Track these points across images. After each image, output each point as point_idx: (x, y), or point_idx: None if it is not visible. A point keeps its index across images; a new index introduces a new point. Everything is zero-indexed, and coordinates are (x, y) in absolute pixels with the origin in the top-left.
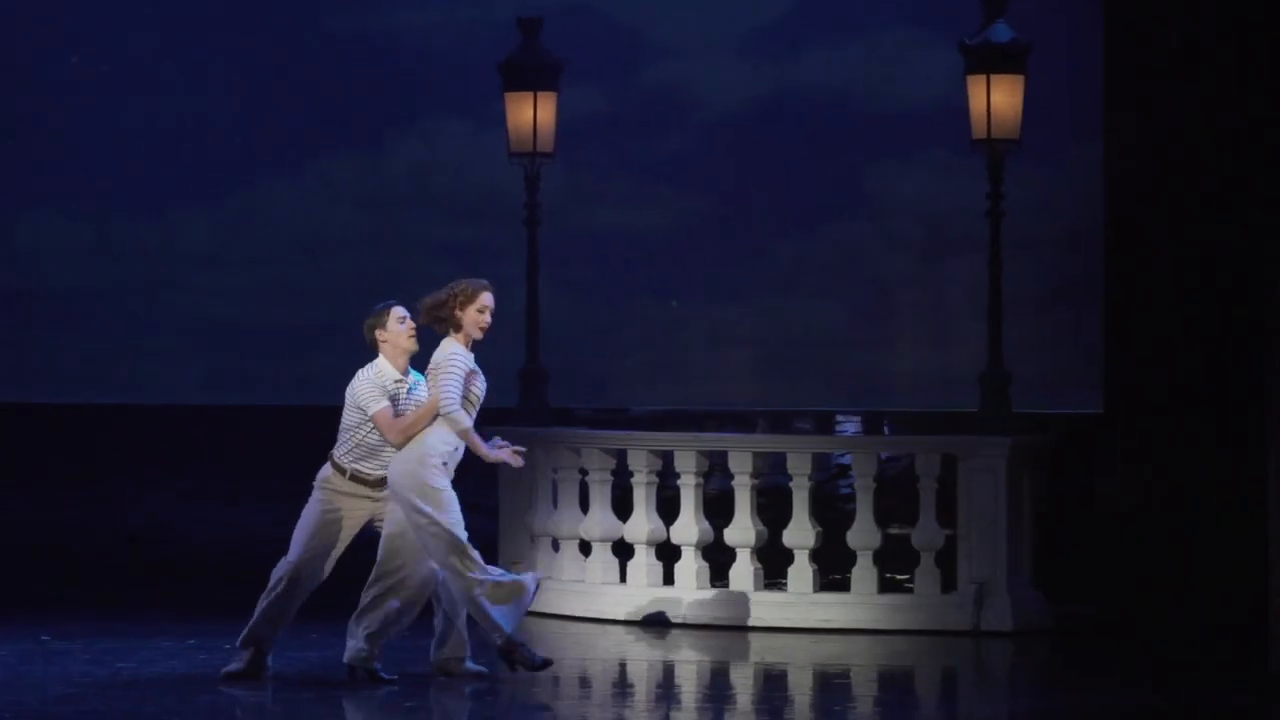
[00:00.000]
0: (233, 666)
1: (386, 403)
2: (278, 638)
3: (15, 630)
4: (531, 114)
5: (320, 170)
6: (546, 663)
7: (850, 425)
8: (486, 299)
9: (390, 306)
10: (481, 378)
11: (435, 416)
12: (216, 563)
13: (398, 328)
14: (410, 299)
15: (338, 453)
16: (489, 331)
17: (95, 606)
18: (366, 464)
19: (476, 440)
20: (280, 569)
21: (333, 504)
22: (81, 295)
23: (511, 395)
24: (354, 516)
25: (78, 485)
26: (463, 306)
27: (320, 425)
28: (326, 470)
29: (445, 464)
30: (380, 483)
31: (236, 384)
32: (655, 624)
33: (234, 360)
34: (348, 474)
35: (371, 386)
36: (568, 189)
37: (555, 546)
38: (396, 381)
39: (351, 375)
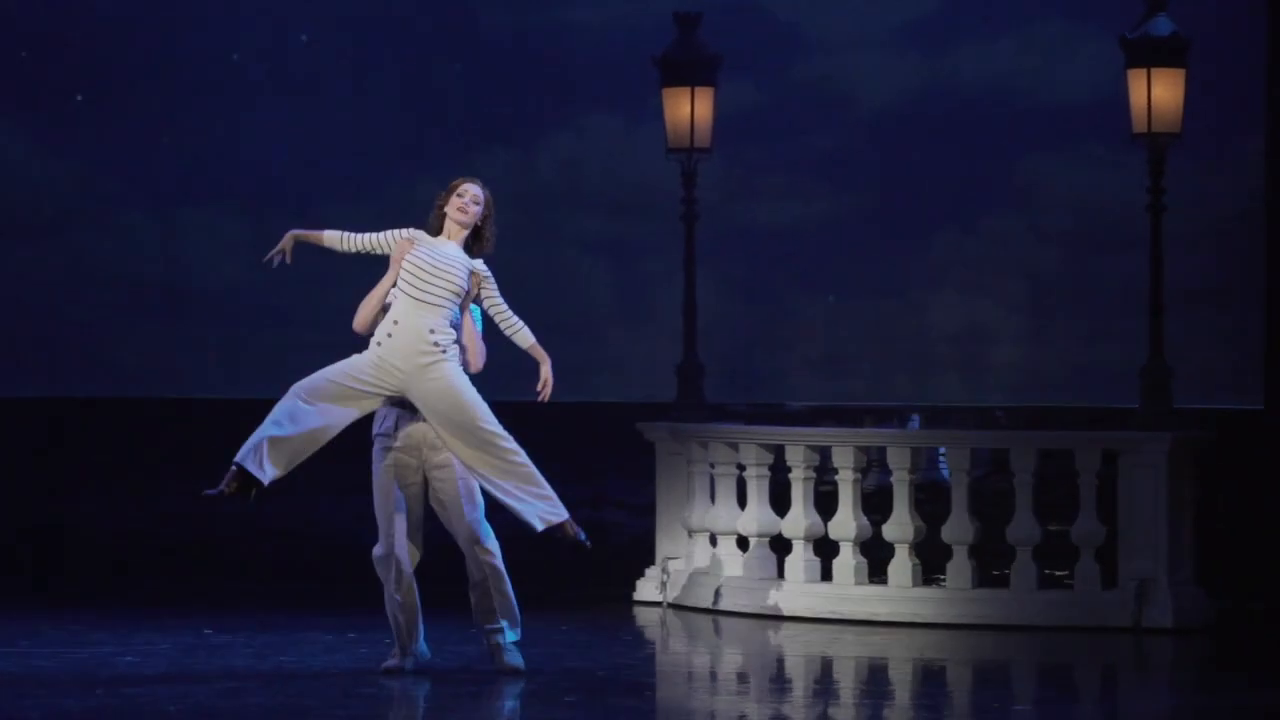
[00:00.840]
0: (390, 663)
1: None
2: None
3: (177, 624)
4: (689, 109)
5: (474, 167)
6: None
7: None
8: (465, 186)
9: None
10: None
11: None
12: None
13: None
14: (566, 298)
15: None
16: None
17: (255, 600)
18: None
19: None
20: None
21: None
22: (238, 292)
23: (669, 390)
24: None
25: None
26: (445, 203)
27: None
28: None
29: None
30: None
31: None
32: None
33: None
34: None
35: None
36: (723, 184)
37: (713, 542)
38: None
39: (509, 374)
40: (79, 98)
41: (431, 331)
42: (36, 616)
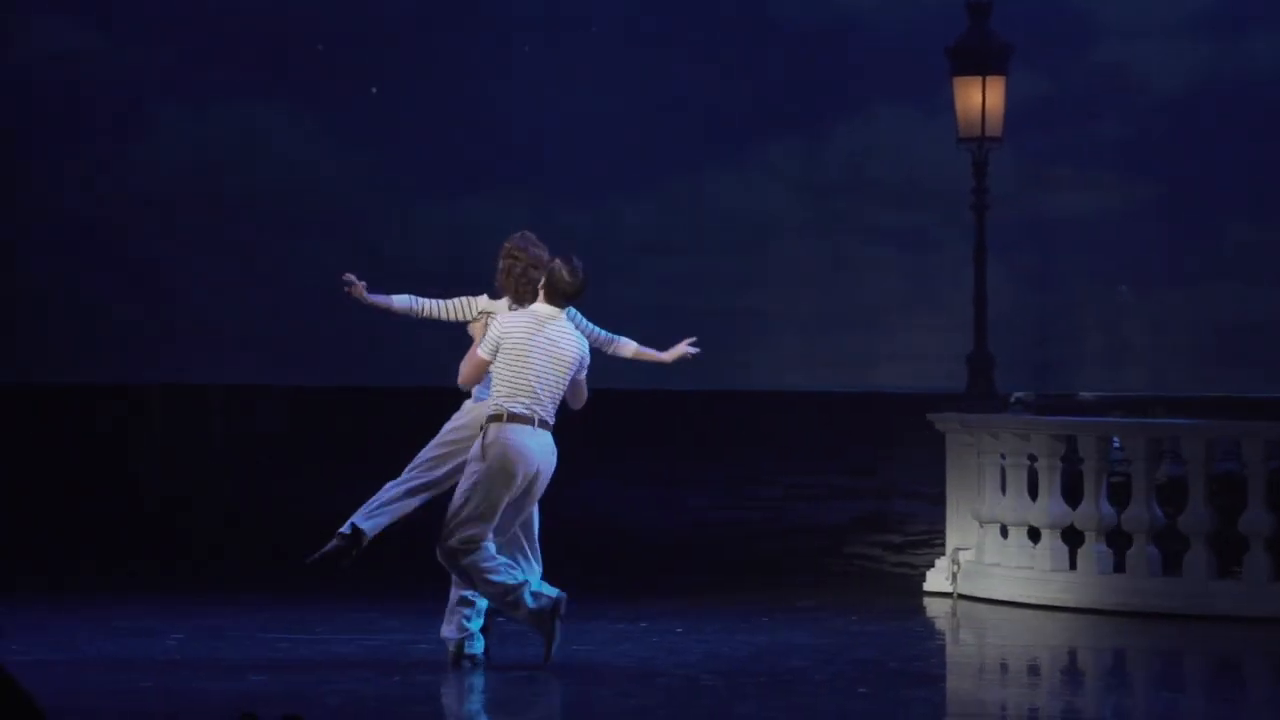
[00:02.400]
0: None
1: None
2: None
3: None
4: (980, 99)
5: (763, 157)
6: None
7: None
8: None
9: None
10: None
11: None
12: (656, 544)
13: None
14: (854, 288)
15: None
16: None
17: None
18: None
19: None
20: None
21: None
22: None
23: (959, 380)
24: None
25: None
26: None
27: (759, 409)
28: None
29: None
30: None
31: (676, 369)
32: None
33: (672, 345)
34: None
35: None
36: (1014, 174)
37: (1003, 533)
38: None
39: (802, 362)
40: (373, 90)
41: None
42: (329, 604)
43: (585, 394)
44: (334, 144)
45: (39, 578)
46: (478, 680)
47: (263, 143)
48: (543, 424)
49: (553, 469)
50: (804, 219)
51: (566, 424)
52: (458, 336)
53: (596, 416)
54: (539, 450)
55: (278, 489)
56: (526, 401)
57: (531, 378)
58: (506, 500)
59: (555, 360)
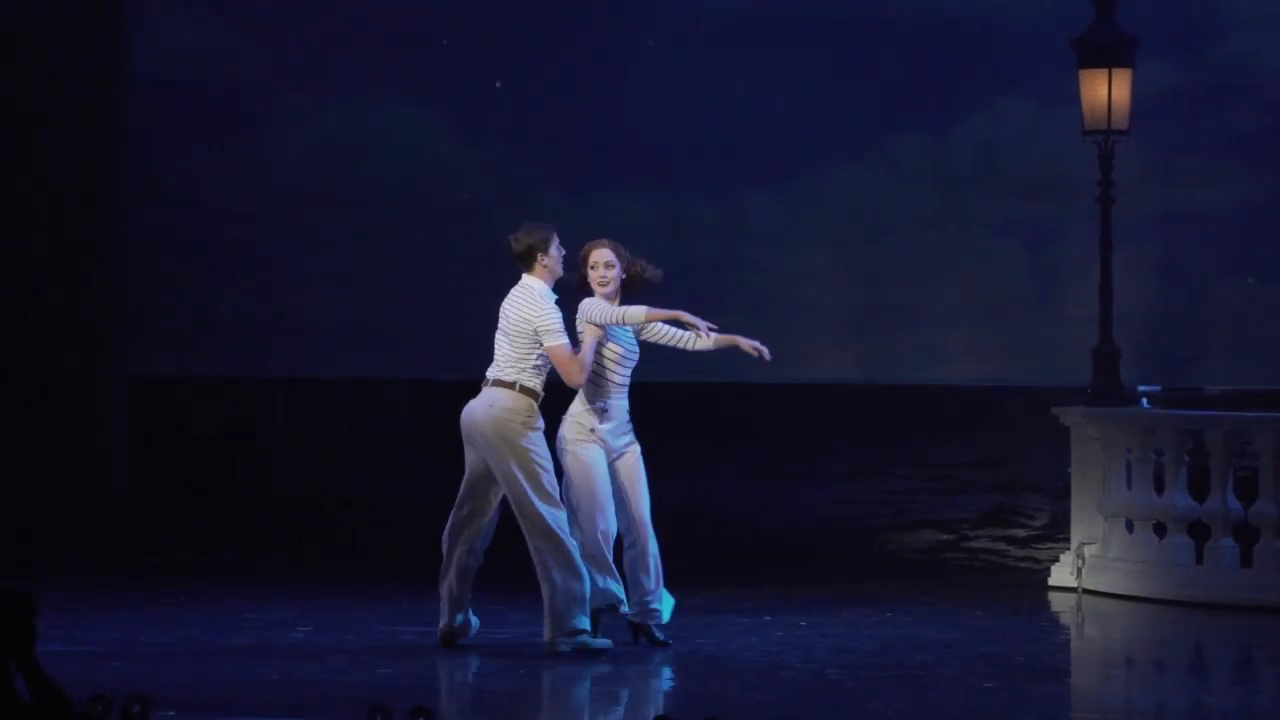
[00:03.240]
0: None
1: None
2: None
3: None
4: (1106, 91)
5: (887, 151)
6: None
7: None
8: (592, 256)
9: (554, 230)
10: None
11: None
12: (780, 539)
13: (558, 255)
14: (979, 281)
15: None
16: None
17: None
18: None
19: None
20: None
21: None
22: None
23: (1084, 374)
24: None
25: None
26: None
27: (880, 402)
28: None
29: None
30: None
31: (799, 362)
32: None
33: (798, 339)
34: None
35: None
36: (1140, 166)
37: (1129, 527)
38: None
39: (926, 356)
40: (498, 84)
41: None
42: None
43: (572, 368)
44: (459, 139)
45: (168, 568)
46: (600, 672)
47: (387, 137)
48: (495, 383)
49: (492, 419)
50: (929, 213)
51: (683, 419)
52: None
53: (715, 412)
54: (476, 403)
55: (402, 482)
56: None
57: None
58: (470, 461)
59: (502, 320)
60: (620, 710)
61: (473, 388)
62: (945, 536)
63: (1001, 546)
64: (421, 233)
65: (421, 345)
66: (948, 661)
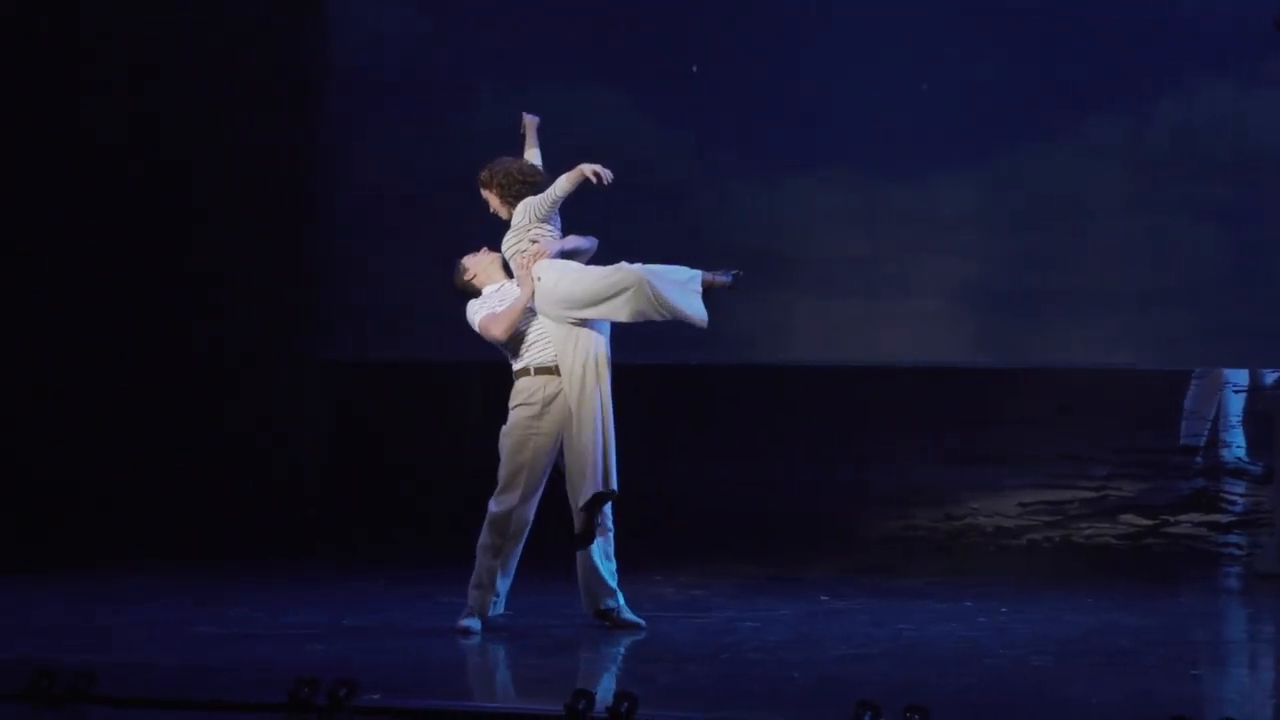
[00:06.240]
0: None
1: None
2: None
3: (796, 591)
4: None
5: (1083, 132)
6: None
7: None
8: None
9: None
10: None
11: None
12: (976, 524)
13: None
14: (1178, 266)
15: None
16: None
17: (866, 567)
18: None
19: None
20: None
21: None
22: (841, 259)
23: None
24: None
25: (815, 446)
26: None
27: (1076, 388)
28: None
29: None
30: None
31: (991, 346)
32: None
33: (990, 324)
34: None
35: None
36: None
37: None
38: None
39: (1123, 341)
40: (694, 68)
41: None
42: (658, 582)
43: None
44: (653, 122)
45: (367, 551)
46: (807, 657)
47: (580, 122)
48: None
49: None
50: (1124, 195)
51: (882, 404)
52: (773, 317)
53: (914, 397)
54: None
55: None
56: None
57: None
58: None
59: None
60: (820, 695)
61: (681, 372)
62: (1146, 522)
63: (1204, 532)
64: (617, 217)
65: (620, 328)
66: (1151, 649)
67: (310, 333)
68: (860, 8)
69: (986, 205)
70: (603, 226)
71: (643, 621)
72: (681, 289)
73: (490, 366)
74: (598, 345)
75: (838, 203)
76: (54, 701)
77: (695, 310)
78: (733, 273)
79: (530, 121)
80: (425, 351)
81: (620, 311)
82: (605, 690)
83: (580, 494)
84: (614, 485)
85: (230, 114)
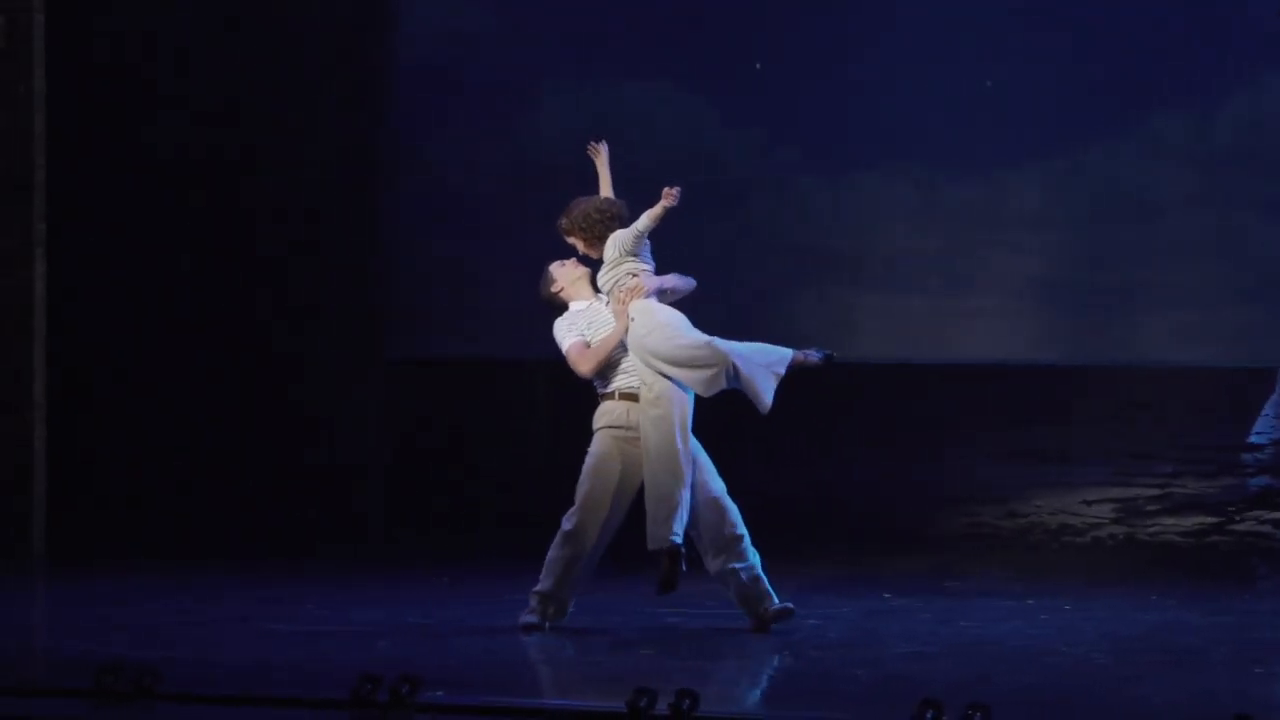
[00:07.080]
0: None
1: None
2: None
3: (858, 589)
4: None
5: (1149, 128)
6: None
7: None
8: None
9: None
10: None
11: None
12: (1039, 521)
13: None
14: (1244, 263)
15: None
16: None
17: (931, 565)
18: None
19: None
20: None
21: None
22: (906, 256)
23: None
24: None
25: (880, 444)
26: None
27: (1143, 384)
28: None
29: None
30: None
31: (1057, 344)
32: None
33: (1056, 321)
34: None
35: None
36: None
37: None
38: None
39: (1190, 337)
40: (758, 66)
41: None
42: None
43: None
44: (717, 121)
45: (430, 550)
46: (869, 655)
47: (646, 121)
48: None
49: None
50: (1190, 191)
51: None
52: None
53: (979, 394)
54: None
55: None
56: None
57: None
58: None
59: None
60: (882, 693)
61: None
62: (1212, 519)
63: (1269, 530)
64: (683, 215)
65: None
66: (1215, 647)
67: (375, 332)
68: (924, 6)
69: (1052, 202)
70: (669, 224)
71: (790, 604)
72: (765, 372)
73: (554, 367)
74: (677, 394)
75: (902, 200)
76: (119, 698)
77: (765, 395)
78: (825, 352)
79: (599, 150)
80: (489, 350)
81: (698, 385)
82: (667, 688)
83: (649, 536)
84: (674, 539)
85: (296, 111)
